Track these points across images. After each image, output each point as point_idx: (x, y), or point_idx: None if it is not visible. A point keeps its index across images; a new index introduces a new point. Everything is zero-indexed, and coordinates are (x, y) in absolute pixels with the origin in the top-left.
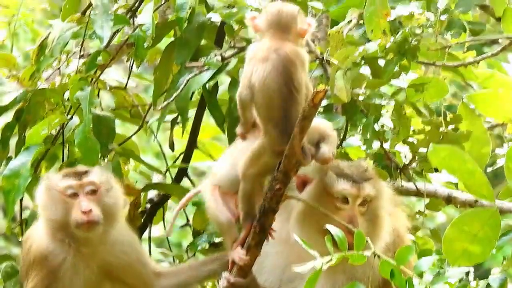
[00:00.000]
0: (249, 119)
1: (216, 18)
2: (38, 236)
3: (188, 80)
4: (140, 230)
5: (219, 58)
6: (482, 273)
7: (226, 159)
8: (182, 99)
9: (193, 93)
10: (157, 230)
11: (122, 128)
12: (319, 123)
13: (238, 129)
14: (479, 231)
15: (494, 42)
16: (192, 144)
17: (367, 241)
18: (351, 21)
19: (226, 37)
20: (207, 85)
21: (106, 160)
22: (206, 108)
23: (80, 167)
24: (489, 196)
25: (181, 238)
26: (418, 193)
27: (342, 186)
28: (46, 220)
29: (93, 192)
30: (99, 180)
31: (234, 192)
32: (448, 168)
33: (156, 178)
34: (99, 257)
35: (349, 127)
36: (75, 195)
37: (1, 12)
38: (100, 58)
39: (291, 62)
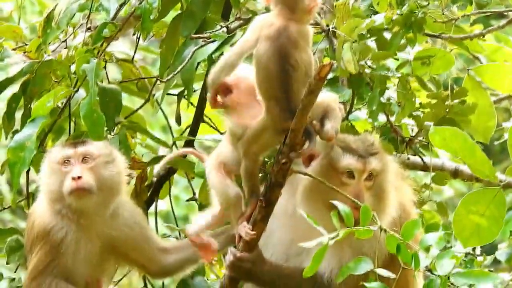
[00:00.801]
0: (216, 82)
1: None
2: (41, 211)
3: (193, 52)
4: (147, 204)
5: (225, 30)
6: (488, 248)
7: (229, 143)
8: (188, 71)
9: (198, 64)
10: (163, 204)
11: (129, 101)
12: (324, 97)
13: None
14: (486, 210)
15: (501, 15)
16: (198, 117)
17: (373, 215)
18: None
19: (233, 10)
20: (213, 57)
21: (112, 133)
22: None
23: (81, 139)
24: (491, 175)
25: (188, 212)
26: (424, 167)
27: (348, 161)
28: (45, 192)
29: (88, 161)
30: (97, 151)
31: (238, 171)
32: (449, 149)
33: (163, 151)
34: (100, 231)
35: (355, 100)
36: (69, 163)
37: None
38: (106, 30)
39: (293, 42)
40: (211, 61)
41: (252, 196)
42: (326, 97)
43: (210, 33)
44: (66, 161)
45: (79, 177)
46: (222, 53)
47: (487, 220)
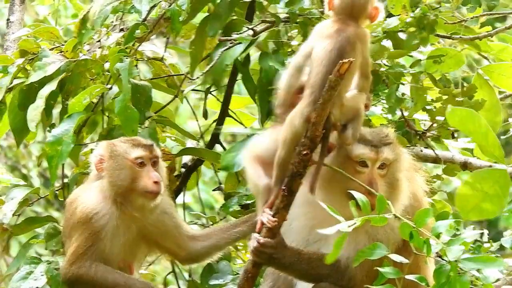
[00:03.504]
0: (290, 90)
1: None
2: (84, 198)
3: (221, 53)
4: (175, 193)
5: (251, 32)
6: (495, 235)
7: (269, 133)
8: (218, 71)
9: (227, 65)
10: (188, 197)
11: (159, 96)
12: (359, 102)
13: (277, 109)
14: (490, 188)
15: (504, 18)
16: (224, 112)
17: (388, 203)
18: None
19: (257, 12)
20: (239, 58)
21: (143, 126)
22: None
23: (143, 139)
24: (500, 157)
25: (214, 200)
26: (436, 159)
27: (361, 151)
28: (110, 183)
29: (156, 165)
30: (159, 153)
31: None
32: (464, 129)
33: (190, 144)
34: (138, 220)
35: (372, 97)
36: (143, 164)
37: None
38: (138, 31)
39: (351, 44)
40: (238, 62)
41: (277, 184)
42: (361, 100)
43: (237, 35)
44: (141, 162)
45: (160, 181)
46: (248, 55)
47: (490, 198)
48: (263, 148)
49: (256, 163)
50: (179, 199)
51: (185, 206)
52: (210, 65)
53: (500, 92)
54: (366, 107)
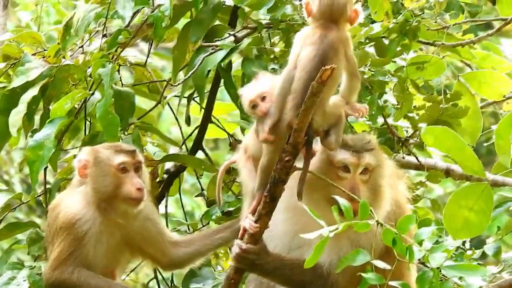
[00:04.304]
0: (284, 97)
1: (229, 1)
2: (67, 203)
3: (203, 59)
4: (158, 200)
5: (233, 38)
6: (477, 243)
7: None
8: (199, 77)
9: (209, 71)
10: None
11: (143, 102)
12: (340, 106)
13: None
14: (474, 204)
15: (488, 26)
16: (207, 118)
17: (371, 210)
18: (356, 2)
19: (239, 19)
20: (222, 64)
21: (126, 133)
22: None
23: (125, 145)
24: (480, 171)
25: (195, 207)
26: (418, 166)
27: (343, 156)
28: (93, 189)
29: (139, 170)
30: (142, 158)
31: None
32: (440, 147)
33: (173, 150)
34: (122, 226)
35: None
36: (126, 171)
37: None
38: (121, 36)
39: (334, 50)
40: (221, 68)
41: (260, 189)
42: (342, 107)
43: (219, 40)
44: (123, 168)
45: (143, 188)
46: (230, 61)
47: (476, 214)
48: (253, 146)
49: (250, 165)
50: (162, 206)
51: (167, 212)
52: (192, 71)
53: (482, 100)
54: (361, 112)
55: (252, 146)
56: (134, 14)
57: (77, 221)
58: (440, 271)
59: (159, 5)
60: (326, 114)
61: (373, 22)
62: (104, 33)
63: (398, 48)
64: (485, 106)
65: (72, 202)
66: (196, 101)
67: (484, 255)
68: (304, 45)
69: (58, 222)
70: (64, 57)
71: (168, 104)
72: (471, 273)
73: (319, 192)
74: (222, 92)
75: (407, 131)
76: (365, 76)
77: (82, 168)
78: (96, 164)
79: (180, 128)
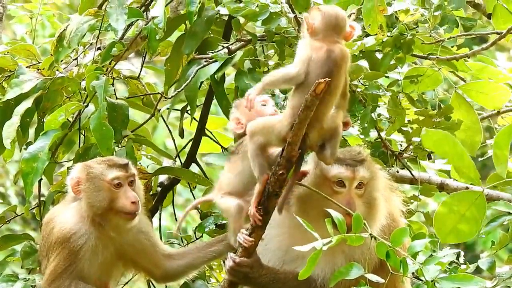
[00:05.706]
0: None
1: (224, 11)
2: (62, 218)
3: (196, 71)
4: (151, 212)
5: (226, 50)
6: (471, 257)
7: (229, 172)
8: (191, 89)
9: (201, 83)
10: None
11: (137, 115)
12: (336, 121)
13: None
14: (467, 211)
15: (483, 40)
16: (200, 130)
17: (364, 223)
18: (350, 15)
19: (233, 31)
20: (215, 76)
21: (120, 145)
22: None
23: (117, 159)
24: (476, 179)
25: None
26: (412, 180)
27: (338, 170)
28: (88, 204)
29: (133, 184)
30: (135, 171)
31: (243, 194)
32: (439, 151)
33: (166, 163)
34: (116, 239)
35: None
36: (120, 185)
37: (24, 7)
38: (115, 49)
39: (339, 66)
40: (213, 80)
41: (262, 173)
42: (338, 119)
43: (212, 53)
44: (117, 182)
45: (137, 202)
46: (223, 73)
47: (467, 220)
48: (228, 183)
49: (226, 196)
50: (155, 218)
51: (161, 225)
52: (185, 84)
53: (478, 114)
54: (347, 124)
55: (227, 186)
56: (128, 26)
57: (72, 236)
58: (434, 284)
59: (153, 18)
60: (323, 130)
61: (367, 35)
62: (98, 45)
63: (392, 62)
64: (480, 120)
65: (67, 217)
66: (189, 114)
67: (478, 270)
68: (312, 58)
69: (53, 237)
70: (58, 70)
71: (162, 117)
72: (466, 284)
73: (314, 208)
74: (217, 105)
75: (401, 145)
76: (359, 90)
77: (75, 185)
78: (89, 180)
79: (174, 141)
